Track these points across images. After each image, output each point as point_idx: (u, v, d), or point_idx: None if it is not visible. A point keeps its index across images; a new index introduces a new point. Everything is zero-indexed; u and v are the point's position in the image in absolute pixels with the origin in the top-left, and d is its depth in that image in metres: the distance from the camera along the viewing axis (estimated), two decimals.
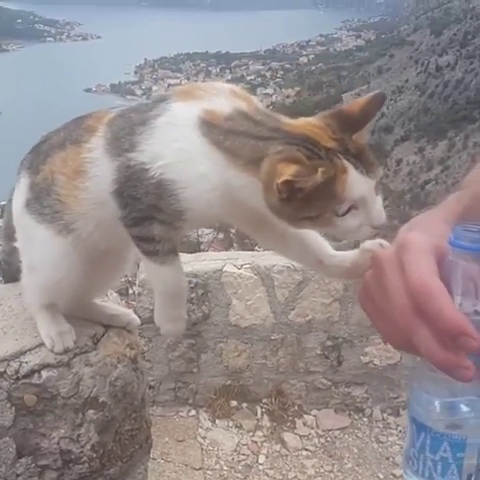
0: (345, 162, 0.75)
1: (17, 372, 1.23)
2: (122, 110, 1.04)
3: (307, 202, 0.76)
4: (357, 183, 0.75)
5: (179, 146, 0.90)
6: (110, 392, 1.33)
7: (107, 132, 1.01)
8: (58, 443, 1.28)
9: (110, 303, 1.45)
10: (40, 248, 1.14)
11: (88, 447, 1.31)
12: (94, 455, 1.32)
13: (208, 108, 0.88)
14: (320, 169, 0.73)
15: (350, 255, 0.88)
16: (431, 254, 0.62)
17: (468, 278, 0.61)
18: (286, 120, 0.84)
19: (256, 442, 2.89)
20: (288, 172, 0.73)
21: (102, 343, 1.35)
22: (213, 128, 0.87)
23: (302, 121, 0.82)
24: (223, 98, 0.90)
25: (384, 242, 0.78)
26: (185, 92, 0.95)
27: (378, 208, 0.77)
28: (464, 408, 0.62)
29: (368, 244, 0.81)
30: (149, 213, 0.95)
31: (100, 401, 1.31)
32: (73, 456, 1.30)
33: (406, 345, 0.63)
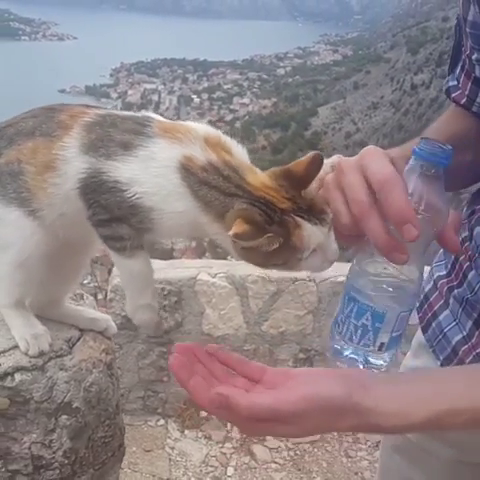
0: (298, 219, 0.84)
1: None
2: (100, 118, 1.04)
3: (269, 255, 0.84)
4: (312, 234, 0.84)
5: (159, 181, 0.94)
6: (84, 398, 1.30)
7: (84, 137, 1.02)
8: (29, 448, 1.24)
9: (87, 307, 1.42)
10: (6, 229, 1.13)
11: (60, 453, 1.27)
12: (66, 461, 1.28)
13: (187, 154, 0.94)
14: (267, 236, 0.82)
15: None
16: (387, 156, 0.76)
17: (419, 184, 0.74)
18: (248, 176, 0.91)
19: (225, 454, 2.87)
20: (238, 229, 0.82)
21: (78, 347, 1.32)
22: (191, 175, 0.93)
23: (261, 181, 0.88)
24: (198, 147, 0.95)
25: (340, 155, 0.88)
26: (166, 130, 0.98)
27: (333, 247, 0.86)
28: (389, 288, 0.77)
29: (328, 160, 0.89)
30: (116, 215, 0.99)
31: (74, 406, 1.28)
32: (44, 462, 1.26)
33: (354, 237, 0.79)
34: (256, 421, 0.72)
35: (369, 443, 2.96)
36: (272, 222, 0.84)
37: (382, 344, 0.79)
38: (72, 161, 1.02)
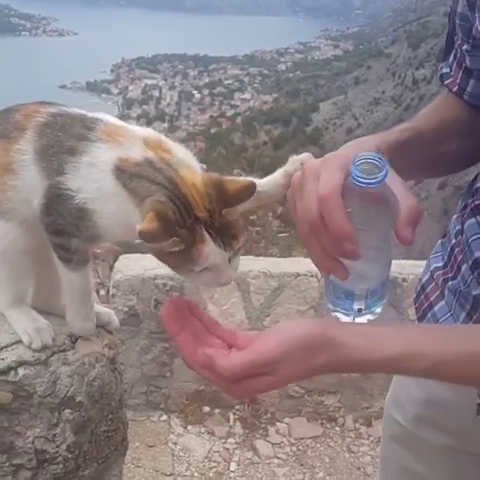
0: (205, 234, 0.86)
1: None
2: (51, 119, 1.09)
3: (169, 254, 0.87)
4: (211, 253, 0.86)
5: (98, 186, 1.02)
6: (87, 392, 1.29)
7: (36, 142, 1.07)
8: (33, 442, 1.24)
9: None
10: None
11: (63, 447, 1.27)
12: (69, 456, 1.28)
13: (122, 156, 1.00)
14: (173, 239, 0.84)
15: (280, 171, 0.98)
16: (342, 170, 0.78)
17: (354, 200, 0.77)
18: (182, 171, 0.94)
19: (228, 449, 2.87)
20: (147, 226, 0.84)
21: (80, 342, 1.32)
22: (123, 173, 0.99)
23: (192, 180, 0.91)
24: (137, 147, 1.01)
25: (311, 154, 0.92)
26: (109, 134, 1.04)
27: (228, 274, 0.89)
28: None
29: (298, 156, 0.92)
30: (69, 229, 1.06)
31: (77, 401, 1.28)
32: (48, 456, 1.26)
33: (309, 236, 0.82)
34: (238, 380, 0.76)
35: (372, 438, 2.97)
36: (182, 226, 0.86)
37: (360, 309, 0.86)
38: (30, 168, 1.08)
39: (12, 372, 1.20)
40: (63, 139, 1.06)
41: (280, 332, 0.79)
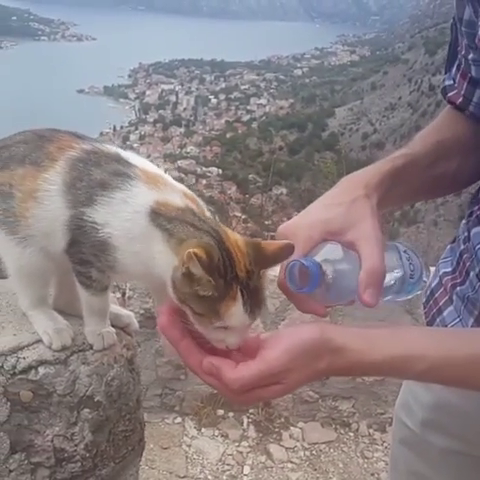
0: (239, 294, 0.84)
1: (14, 367, 1.21)
2: (85, 155, 1.10)
3: (197, 298, 0.84)
4: (237, 315, 0.84)
5: (127, 225, 1.02)
6: (106, 392, 1.31)
7: (66, 174, 1.09)
8: (52, 441, 1.26)
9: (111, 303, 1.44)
10: (4, 254, 1.22)
11: (82, 446, 1.29)
12: (87, 454, 1.30)
13: (162, 200, 1.01)
14: (210, 280, 0.82)
15: None
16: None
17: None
18: (225, 229, 0.93)
19: (241, 452, 2.88)
20: (198, 251, 0.82)
21: None
22: (160, 216, 0.99)
23: (235, 238, 0.90)
24: (178, 196, 1.02)
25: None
26: (150, 177, 1.05)
27: (238, 340, 0.85)
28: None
29: None
30: (90, 259, 1.09)
31: (95, 400, 1.30)
32: (66, 454, 1.28)
33: None
34: (245, 391, 0.78)
35: (385, 444, 2.96)
36: (222, 276, 0.84)
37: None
38: (54, 199, 1.10)
39: (32, 371, 1.23)
40: (95, 173, 1.07)
41: (284, 340, 0.79)
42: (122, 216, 1.03)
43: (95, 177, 1.07)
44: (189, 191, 1.07)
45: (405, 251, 0.95)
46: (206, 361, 0.79)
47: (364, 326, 0.84)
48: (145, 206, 1.01)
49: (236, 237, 0.90)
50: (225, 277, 0.84)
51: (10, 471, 1.24)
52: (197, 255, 0.81)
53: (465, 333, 0.90)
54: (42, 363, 1.23)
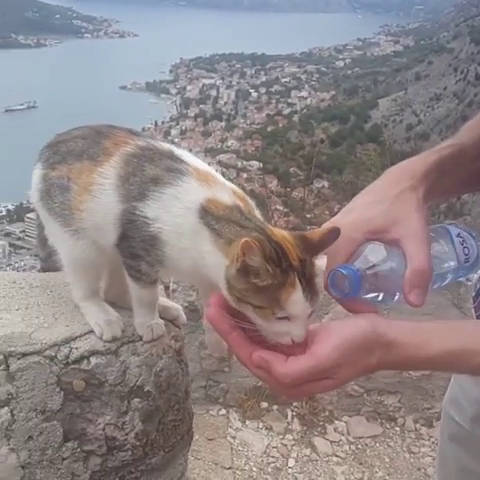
0: (297, 281, 0.84)
1: (67, 357, 1.24)
2: (139, 150, 1.13)
3: (255, 291, 0.84)
4: (299, 302, 0.84)
5: (178, 221, 1.04)
6: (155, 382, 1.34)
7: (121, 169, 1.12)
8: (103, 429, 1.30)
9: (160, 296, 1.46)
10: (55, 238, 1.27)
11: (132, 435, 1.32)
12: (137, 443, 1.33)
13: (211, 197, 1.03)
14: (268, 269, 0.83)
15: None
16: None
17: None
18: (270, 227, 0.95)
19: (286, 445, 2.89)
20: (251, 243, 0.82)
21: None
22: (209, 214, 1.01)
23: (282, 233, 0.91)
24: (226, 193, 1.04)
25: None
26: (202, 174, 1.08)
27: (302, 331, 0.84)
28: None
29: None
30: (140, 253, 1.11)
31: (145, 390, 1.32)
32: (117, 443, 1.31)
33: None
34: (296, 385, 0.77)
35: (432, 439, 2.92)
36: (278, 265, 0.84)
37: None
38: (107, 193, 1.13)
39: (85, 361, 1.26)
40: (148, 169, 1.10)
41: (334, 335, 0.79)
42: (173, 211, 1.05)
43: (148, 172, 1.09)
44: (239, 190, 1.08)
45: (458, 234, 0.93)
46: (256, 355, 0.78)
47: (415, 320, 0.83)
48: (195, 203, 1.03)
49: (282, 232, 0.92)
50: (281, 266, 0.84)
51: (63, 459, 1.28)
52: (253, 244, 0.82)
53: None
54: (94, 353, 1.26)
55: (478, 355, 0.76)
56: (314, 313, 0.86)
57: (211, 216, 1.00)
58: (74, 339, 1.26)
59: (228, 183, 1.09)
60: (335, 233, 0.86)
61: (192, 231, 1.02)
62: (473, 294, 1.14)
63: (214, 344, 0.94)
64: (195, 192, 1.05)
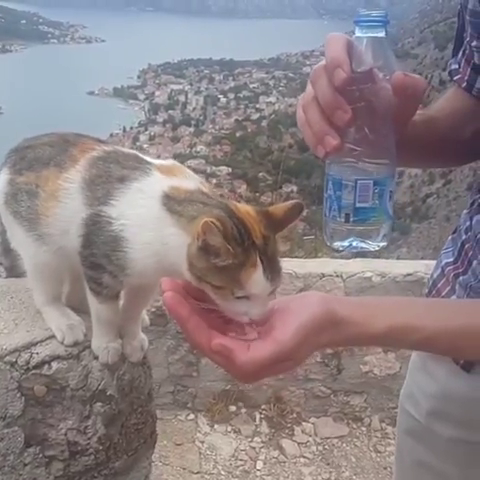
0: (258, 260, 0.83)
1: (28, 363, 1.24)
2: (104, 154, 1.15)
3: (215, 270, 0.84)
4: (259, 282, 0.83)
5: (140, 212, 1.06)
6: (117, 386, 1.34)
7: (86, 172, 1.13)
8: (65, 434, 1.29)
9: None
10: (22, 250, 1.28)
11: (95, 439, 1.32)
12: (100, 447, 1.33)
13: (175, 185, 1.04)
14: (229, 248, 0.81)
15: None
16: (344, 39, 0.81)
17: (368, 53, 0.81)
18: (234, 202, 0.95)
19: (254, 448, 2.90)
20: (211, 222, 0.81)
21: None
22: (172, 199, 1.01)
23: (246, 209, 0.90)
24: (192, 181, 1.05)
25: None
26: (167, 167, 1.10)
27: (262, 309, 0.82)
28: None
29: None
30: (102, 262, 1.10)
31: (108, 394, 1.33)
32: (80, 448, 1.31)
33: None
34: (258, 371, 0.77)
35: None
36: (239, 244, 0.83)
37: (347, 215, 0.84)
38: (73, 197, 1.14)
39: (46, 366, 1.26)
40: (114, 169, 1.11)
41: (294, 317, 0.78)
42: (137, 203, 1.06)
43: (114, 173, 1.11)
44: (205, 182, 1.10)
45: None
46: (217, 342, 0.77)
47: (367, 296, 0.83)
48: (159, 192, 1.04)
49: (247, 208, 0.91)
50: (242, 245, 0.84)
51: (25, 465, 1.27)
52: (212, 224, 0.81)
53: (463, 303, 0.92)
54: (55, 358, 1.26)
55: (418, 331, 0.78)
56: (274, 295, 0.85)
57: (173, 201, 1.01)
58: (35, 344, 1.26)
59: (194, 175, 1.11)
60: (299, 208, 0.87)
61: (155, 219, 1.02)
62: (426, 291, 1.17)
63: None
64: (159, 183, 1.06)
